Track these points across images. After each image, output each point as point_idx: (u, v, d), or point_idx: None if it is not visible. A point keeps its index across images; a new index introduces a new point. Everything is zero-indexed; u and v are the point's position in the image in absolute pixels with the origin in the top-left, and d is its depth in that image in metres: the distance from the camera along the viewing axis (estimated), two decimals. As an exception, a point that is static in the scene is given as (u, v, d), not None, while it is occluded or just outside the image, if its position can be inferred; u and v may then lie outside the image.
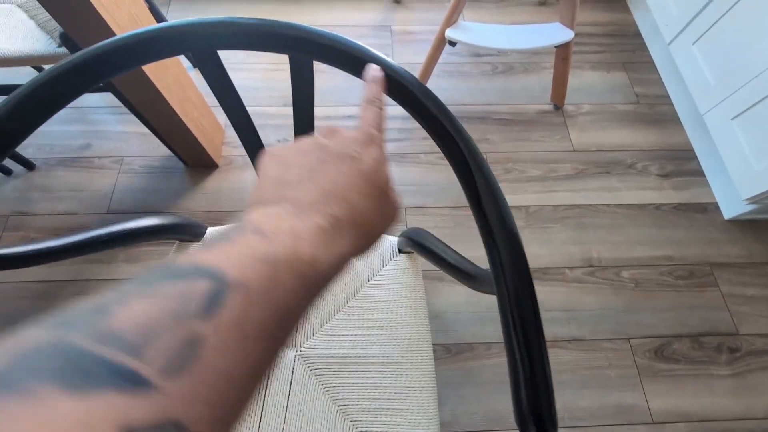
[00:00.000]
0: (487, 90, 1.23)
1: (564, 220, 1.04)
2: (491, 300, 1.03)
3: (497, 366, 0.89)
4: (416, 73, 1.16)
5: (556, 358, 0.89)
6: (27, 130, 0.32)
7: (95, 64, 0.30)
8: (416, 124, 1.17)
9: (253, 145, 0.45)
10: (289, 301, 0.15)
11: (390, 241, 0.59)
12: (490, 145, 1.13)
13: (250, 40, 0.34)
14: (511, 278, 0.26)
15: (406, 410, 0.47)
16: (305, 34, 0.33)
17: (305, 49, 0.34)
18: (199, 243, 0.57)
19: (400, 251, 0.58)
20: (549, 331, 0.91)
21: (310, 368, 0.50)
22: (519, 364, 0.25)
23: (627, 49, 1.31)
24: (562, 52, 1.04)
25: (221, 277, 0.14)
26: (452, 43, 0.99)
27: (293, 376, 0.50)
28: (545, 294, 0.94)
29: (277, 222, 0.17)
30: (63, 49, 0.74)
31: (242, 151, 1.13)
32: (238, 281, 0.14)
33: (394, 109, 1.25)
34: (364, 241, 0.21)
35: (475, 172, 0.29)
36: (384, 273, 0.56)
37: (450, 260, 0.38)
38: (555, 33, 0.97)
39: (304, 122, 0.41)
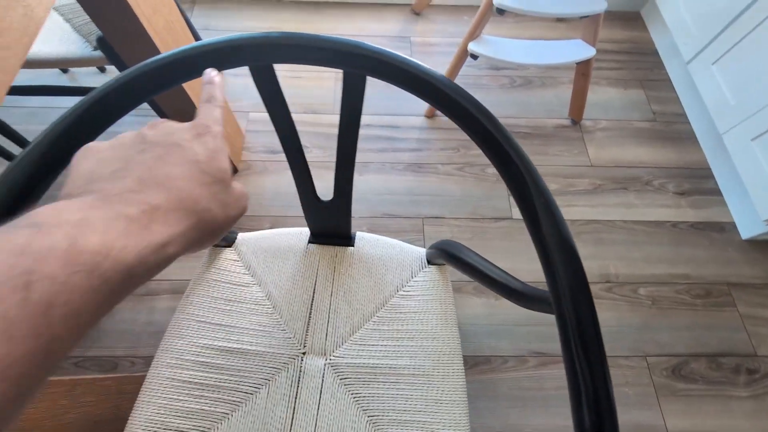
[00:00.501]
0: (505, 103, 1.24)
1: (581, 235, 1.04)
2: (507, 313, 1.03)
3: (513, 380, 0.88)
4: (436, 84, 1.17)
5: (573, 373, 0.88)
6: (99, 129, 0.33)
7: (170, 69, 0.31)
8: (434, 135, 1.17)
9: (294, 155, 0.46)
10: (57, 293, 0.14)
11: (418, 252, 0.60)
12: (508, 157, 1.14)
13: (308, 54, 0.35)
14: (571, 300, 0.26)
15: (437, 423, 0.47)
16: (364, 51, 0.34)
17: (362, 65, 0.34)
18: (231, 249, 0.58)
19: (429, 263, 0.58)
20: (566, 346, 0.91)
21: (340, 377, 0.50)
22: (582, 386, 0.25)
23: (644, 66, 1.32)
24: (583, 68, 1.05)
25: None
26: (474, 56, 1.00)
27: (323, 385, 0.50)
28: (562, 309, 0.94)
29: (66, 214, 0.16)
30: (98, 53, 0.75)
31: (261, 155, 1.14)
32: None
33: (413, 119, 1.25)
34: (198, 230, 0.20)
35: (534, 191, 0.29)
36: (413, 284, 0.56)
37: (494, 276, 0.38)
38: (577, 49, 0.98)
39: (350, 134, 0.41)
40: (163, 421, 0.46)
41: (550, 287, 0.28)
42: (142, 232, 0.17)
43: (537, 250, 0.29)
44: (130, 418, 0.46)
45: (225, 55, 0.33)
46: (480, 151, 1.20)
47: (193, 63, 0.32)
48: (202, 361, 0.49)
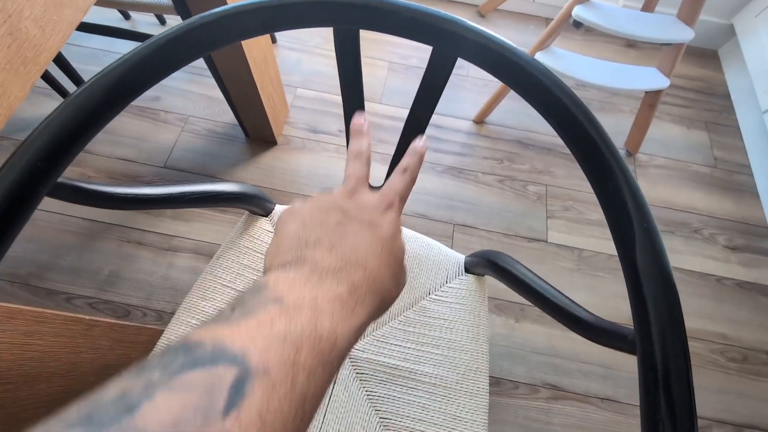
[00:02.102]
0: (559, 122, 1.18)
1: (617, 271, 0.98)
2: (526, 338, 0.98)
3: (521, 408, 0.84)
4: (491, 90, 1.14)
5: (585, 414, 0.84)
6: (158, 77, 0.31)
7: (265, 13, 0.29)
8: (479, 142, 1.13)
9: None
10: (310, 385, 0.15)
11: (456, 258, 0.57)
12: (552, 178, 1.09)
13: (399, 24, 0.32)
14: (663, 341, 0.23)
15: (453, 441, 0.44)
16: (463, 31, 0.31)
17: (455, 45, 0.32)
18: (267, 219, 0.56)
19: (467, 271, 0.55)
20: (583, 385, 0.86)
21: (356, 371, 0.48)
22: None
23: (713, 109, 1.24)
24: (651, 98, 0.99)
25: (245, 364, 0.14)
26: (539, 68, 0.96)
27: (338, 375, 0.48)
28: (586, 344, 0.89)
29: (298, 290, 0.17)
30: (167, 1, 0.75)
31: (302, 133, 1.13)
32: (261, 368, 0.14)
33: (460, 123, 1.21)
34: (379, 308, 0.21)
35: (635, 214, 0.26)
36: (446, 290, 0.53)
37: (555, 300, 0.35)
38: (651, 78, 0.93)
39: (422, 116, 0.38)
40: (173, 379, 0.44)
41: (637, 322, 0.25)
42: (350, 314, 0.18)
43: (626, 278, 0.26)
44: (142, 370, 0.45)
45: (317, 10, 0.31)
46: (524, 167, 1.15)
47: (291, 11, 0.30)
48: (222, 327, 0.47)
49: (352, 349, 0.49)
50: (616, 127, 1.18)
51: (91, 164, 1.04)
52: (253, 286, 0.18)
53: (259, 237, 0.54)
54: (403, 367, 0.48)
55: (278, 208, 0.57)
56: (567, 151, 1.23)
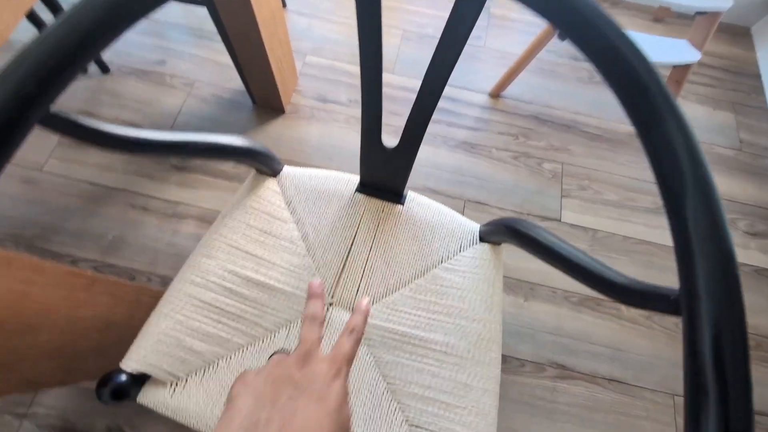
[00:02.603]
0: (580, 97, 1.14)
1: (632, 254, 0.96)
2: (535, 317, 0.95)
3: (526, 386, 0.83)
4: (509, 63, 1.09)
5: (591, 394, 0.83)
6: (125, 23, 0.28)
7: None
8: (495, 117, 1.08)
9: (370, 84, 0.40)
10: None
11: (471, 226, 0.54)
12: (570, 156, 1.05)
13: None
14: (713, 301, 0.21)
15: (463, 408, 0.43)
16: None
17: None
18: (275, 179, 0.54)
19: (481, 240, 0.53)
20: (590, 365, 0.85)
21: (365, 337, 0.47)
22: (710, 417, 0.19)
23: (741, 89, 1.18)
24: (679, 74, 0.94)
25: None
26: (563, 37, 0.91)
27: (345, 340, 0.46)
28: (595, 326, 0.87)
29: None
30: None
31: (311, 102, 1.09)
32: None
33: (475, 96, 1.15)
34: None
35: (687, 161, 0.23)
36: (460, 258, 0.51)
37: (583, 264, 0.32)
38: (681, 51, 0.87)
39: (443, 67, 0.35)
40: (177, 337, 0.43)
41: (684, 281, 0.22)
42: None
43: (673, 231, 0.23)
44: (144, 326, 0.43)
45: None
46: (541, 143, 1.10)
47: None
48: (227, 287, 0.46)
49: (361, 315, 0.47)
50: (638, 105, 1.13)
51: (95, 128, 1.01)
52: None
53: (267, 197, 0.52)
54: (413, 334, 0.47)
55: (286, 170, 0.55)
56: (587, 130, 1.19)
